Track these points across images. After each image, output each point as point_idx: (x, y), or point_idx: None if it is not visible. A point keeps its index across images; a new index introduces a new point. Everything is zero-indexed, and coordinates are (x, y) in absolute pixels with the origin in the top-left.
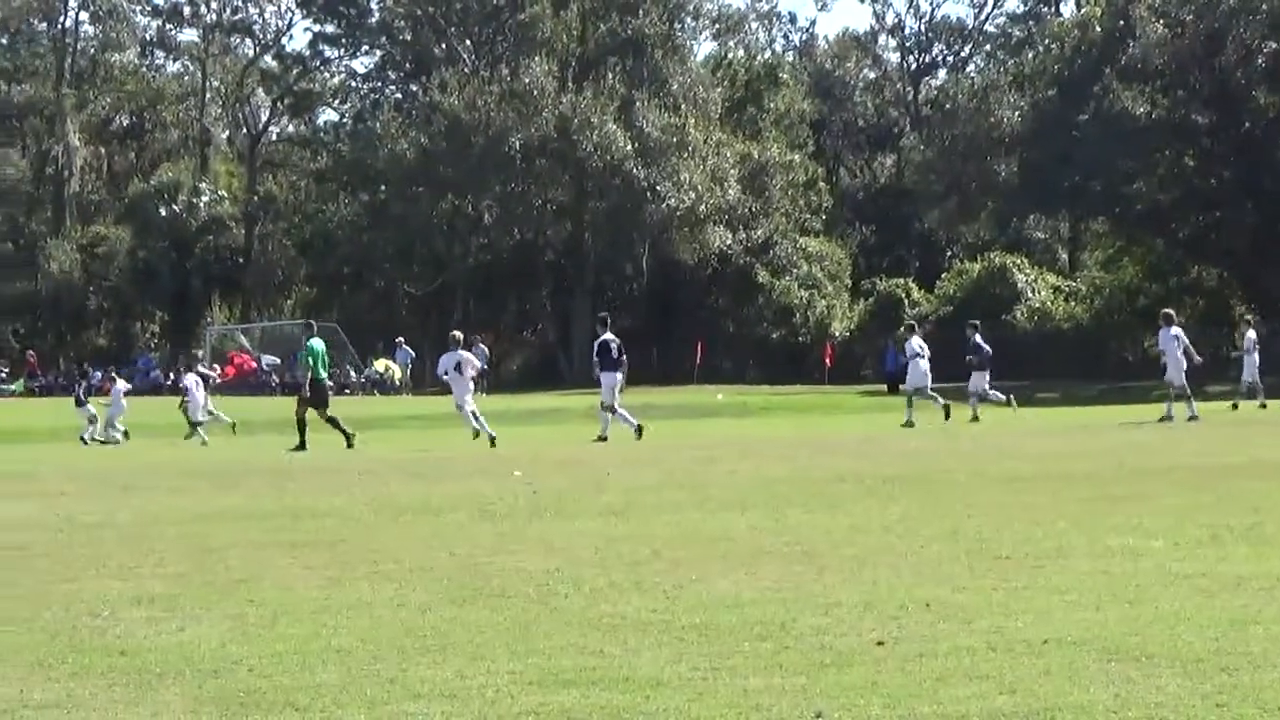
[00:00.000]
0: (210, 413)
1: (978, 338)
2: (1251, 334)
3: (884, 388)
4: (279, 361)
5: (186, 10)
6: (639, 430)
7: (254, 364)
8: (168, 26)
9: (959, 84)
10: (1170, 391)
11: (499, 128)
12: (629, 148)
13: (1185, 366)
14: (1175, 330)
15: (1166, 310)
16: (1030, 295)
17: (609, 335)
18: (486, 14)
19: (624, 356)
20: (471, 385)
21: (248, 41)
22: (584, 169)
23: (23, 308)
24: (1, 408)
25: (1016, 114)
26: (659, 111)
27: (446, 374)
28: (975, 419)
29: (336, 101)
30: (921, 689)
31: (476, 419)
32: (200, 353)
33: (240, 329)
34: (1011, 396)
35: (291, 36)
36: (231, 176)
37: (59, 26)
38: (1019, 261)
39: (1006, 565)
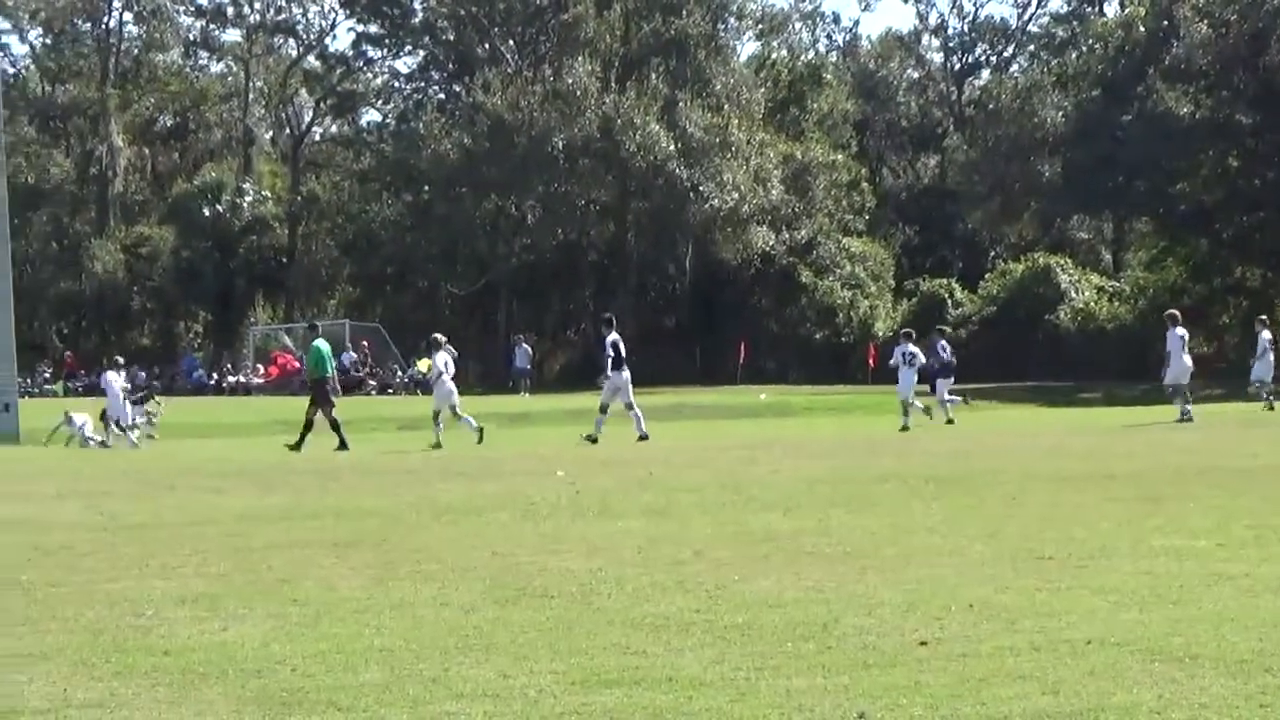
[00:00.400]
0: (136, 421)
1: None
2: (1266, 334)
3: (928, 388)
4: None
5: (230, 10)
6: (643, 436)
7: (297, 364)
8: (211, 27)
9: (1002, 84)
10: (1174, 390)
11: (542, 128)
12: (672, 148)
13: (1191, 368)
14: (1181, 330)
15: (1172, 311)
16: (1074, 295)
17: (615, 335)
18: (530, 14)
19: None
20: (454, 389)
21: (291, 42)
22: (627, 169)
23: (67, 308)
24: (46, 408)
25: (1060, 114)
26: (702, 112)
27: (440, 376)
28: (950, 421)
29: (380, 102)
30: (965, 689)
31: (441, 427)
32: (121, 359)
33: (284, 329)
34: (964, 397)
35: (335, 37)
36: (275, 177)
37: (103, 27)
38: (1062, 262)
39: (1050, 566)
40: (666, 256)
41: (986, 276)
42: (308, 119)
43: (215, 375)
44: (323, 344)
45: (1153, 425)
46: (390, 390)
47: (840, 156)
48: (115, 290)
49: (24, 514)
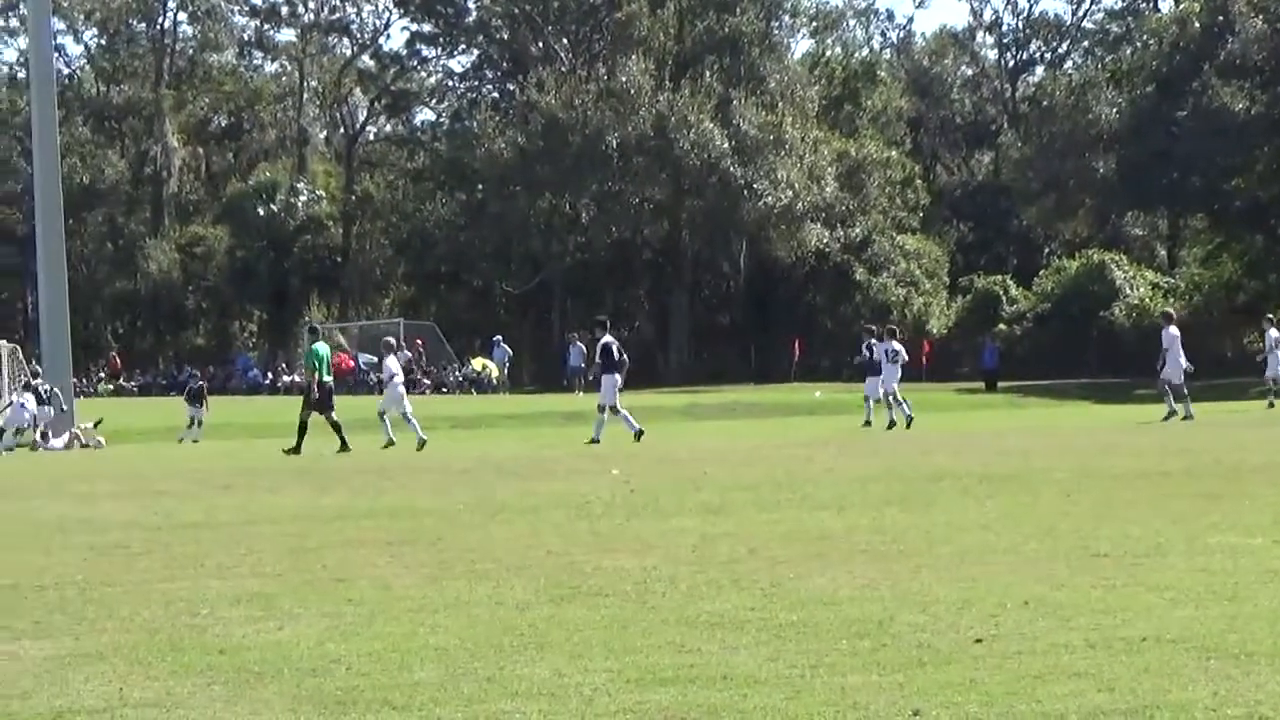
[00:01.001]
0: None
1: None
2: (1274, 332)
3: (982, 385)
4: (376, 360)
5: (284, 10)
6: (639, 434)
7: (352, 363)
8: (265, 27)
9: (1056, 81)
10: (1168, 389)
11: (596, 126)
12: (726, 146)
13: (1187, 366)
14: (1174, 330)
15: (1167, 310)
16: (1128, 292)
17: (609, 338)
18: (583, 12)
19: (624, 358)
20: (404, 394)
21: (345, 41)
22: (681, 167)
23: (122, 308)
24: (101, 408)
25: (1114, 110)
26: (756, 109)
27: (392, 379)
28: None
29: (434, 101)
30: (1020, 687)
31: (389, 426)
32: (39, 377)
33: (338, 328)
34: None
35: (389, 36)
36: (329, 176)
37: (158, 27)
38: (1117, 258)
39: (1105, 563)
40: (721, 254)
41: (1041, 273)
42: (362, 118)
43: (270, 374)
44: (321, 346)
45: (1206, 423)
46: (444, 389)
47: (894, 153)
48: (170, 290)
49: (79, 513)
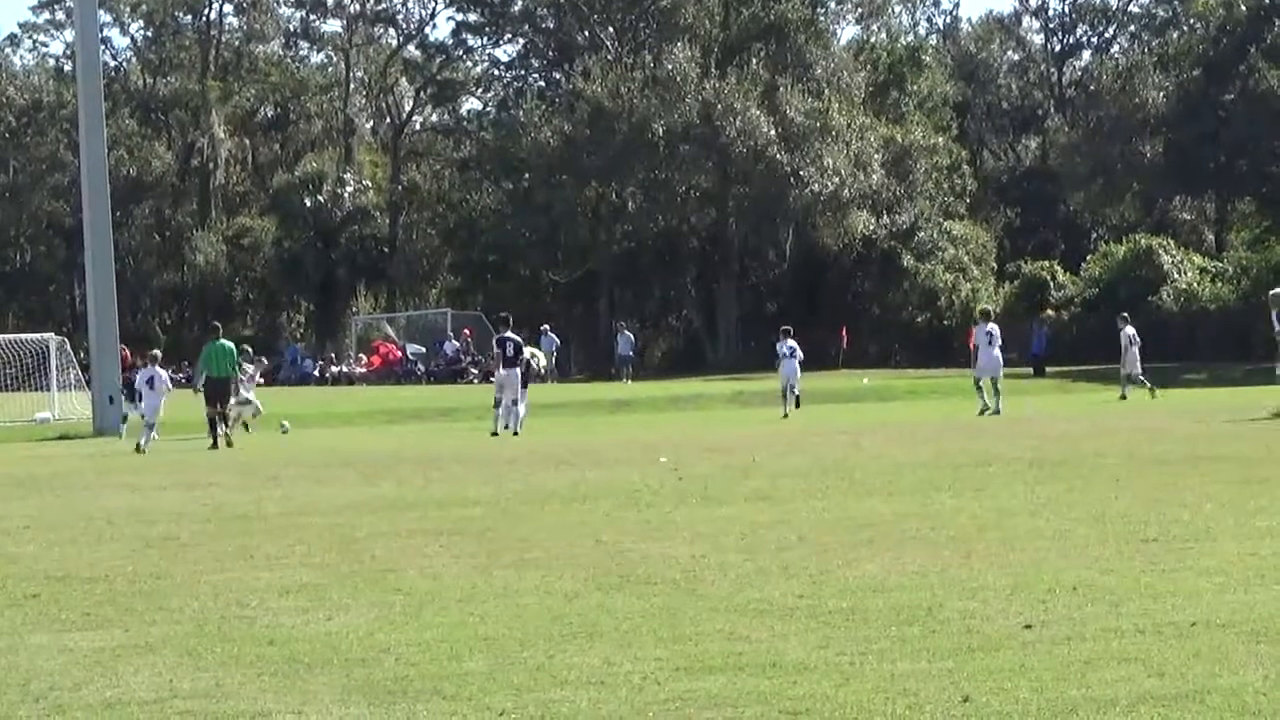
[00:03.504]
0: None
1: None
2: (1129, 330)
3: (1030, 370)
4: (424, 350)
5: (330, 1)
6: (498, 433)
7: (399, 353)
8: (311, 17)
9: (1103, 65)
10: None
11: (642, 114)
12: (772, 133)
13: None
14: (991, 326)
15: (984, 308)
16: (1176, 277)
17: (510, 334)
18: (629, 1)
19: (521, 355)
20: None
21: (391, 31)
22: (727, 155)
23: (170, 300)
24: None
25: (1161, 94)
26: (802, 96)
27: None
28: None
29: (479, 90)
30: (1069, 672)
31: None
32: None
33: (386, 318)
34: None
35: (434, 26)
36: (375, 166)
37: (203, 19)
38: (1165, 243)
39: (1154, 548)
40: (767, 242)
41: (1088, 258)
42: (408, 108)
43: (318, 365)
44: (217, 347)
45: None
46: (493, 379)
47: (941, 139)
48: (217, 281)
49: (130, 505)
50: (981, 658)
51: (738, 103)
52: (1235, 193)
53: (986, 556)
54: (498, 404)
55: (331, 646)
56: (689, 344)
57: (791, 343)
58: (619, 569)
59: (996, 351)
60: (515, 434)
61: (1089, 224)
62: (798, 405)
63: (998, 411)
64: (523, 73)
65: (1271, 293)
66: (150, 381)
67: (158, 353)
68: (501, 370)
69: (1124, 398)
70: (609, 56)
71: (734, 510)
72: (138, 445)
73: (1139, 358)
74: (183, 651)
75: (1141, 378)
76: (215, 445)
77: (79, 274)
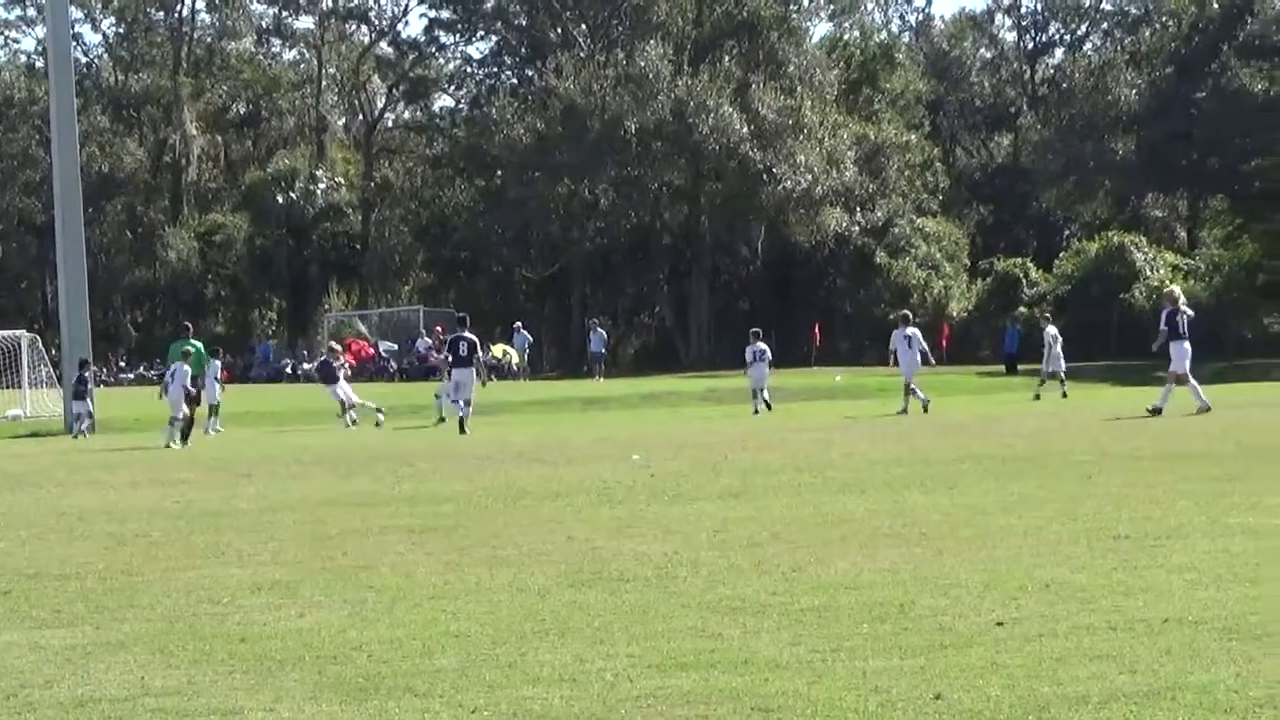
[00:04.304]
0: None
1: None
2: (1052, 329)
3: (1002, 368)
4: (396, 347)
5: None
6: (442, 421)
7: (371, 350)
8: (284, 14)
9: (1076, 63)
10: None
11: (615, 112)
12: (745, 130)
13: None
14: (911, 330)
15: (904, 312)
16: (1149, 274)
17: (466, 333)
18: None
19: (477, 354)
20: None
21: (363, 28)
22: (700, 152)
23: (141, 296)
24: (121, 397)
25: (1133, 92)
26: (775, 94)
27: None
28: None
29: (452, 87)
30: (1041, 669)
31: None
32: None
33: (358, 315)
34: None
35: (407, 23)
36: (348, 163)
37: (176, 16)
38: (1137, 240)
39: (1126, 545)
40: (740, 239)
41: (1061, 255)
42: (380, 105)
43: (290, 362)
44: (178, 346)
45: (1227, 405)
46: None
47: (913, 137)
48: (189, 278)
49: (101, 502)
50: (953, 655)
51: (710, 100)
52: (1207, 190)
53: (958, 554)
54: (456, 401)
55: (303, 643)
56: (661, 341)
57: (761, 345)
58: (591, 566)
59: (916, 355)
60: (465, 432)
61: (1061, 221)
62: (769, 408)
63: (904, 411)
64: (495, 70)
65: (1166, 290)
66: (173, 374)
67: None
68: (457, 370)
69: (1038, 397)
70: (581, 54)
71: (706, 507)
72: (167, 444)
73: (1062, 356)
74: (154, 649)
75: (1062, 375)
76: (184, 442)
77: (50, 271)
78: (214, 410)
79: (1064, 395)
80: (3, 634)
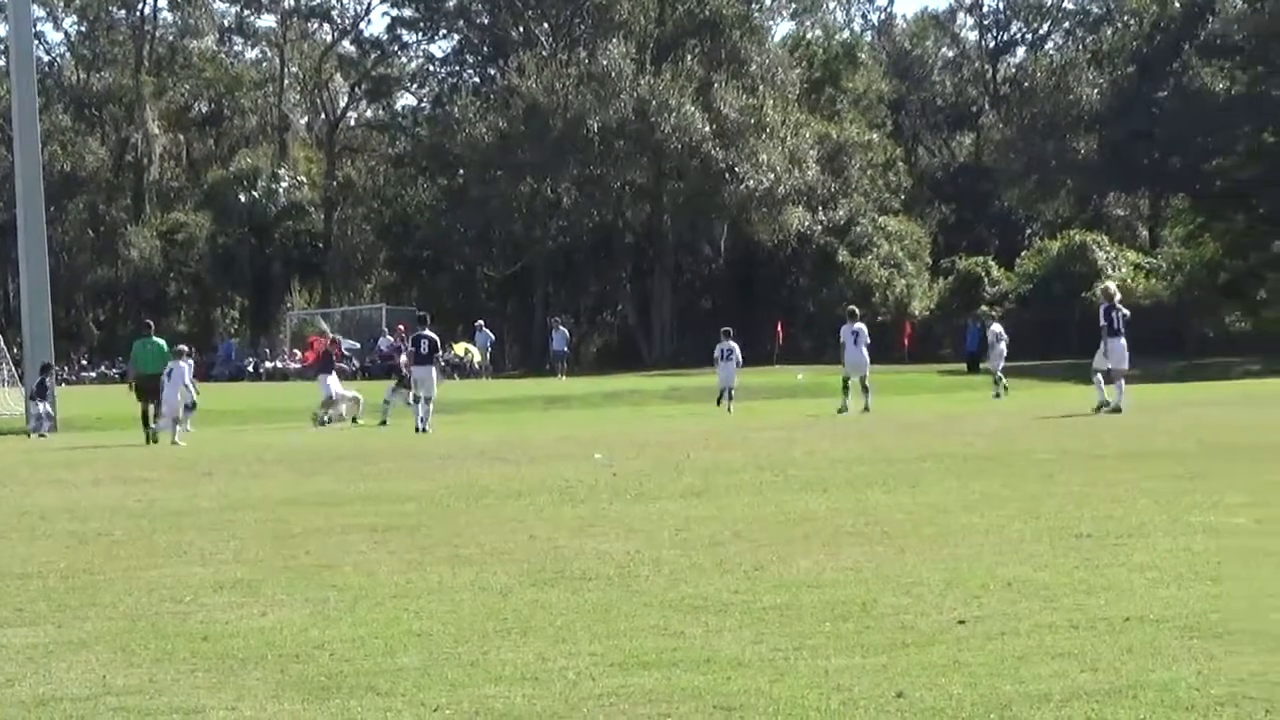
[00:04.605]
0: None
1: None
2: (996, 327)
3: (964, 366)
4: (359, 346)
5: None
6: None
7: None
8: (246, 13)
9: (1037, 62)
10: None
11: (577, 110)
12: (707, 129)
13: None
14: (858, 325)
15: (851, 308)
16: (1111, 272)
17: (426, 331)
18: None
19: (437, 353)
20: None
21: (325, 27)
22: (662, 151)
23: (103, 295)
24: (83, 396)
25: (1095, 91)
26: (737, 93)
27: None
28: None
29: (415, 86)
30: (1003, 667)
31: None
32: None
33: (320, 313)
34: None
35: (369, 21)
36: (310, 162)
37: (138, 14)
38: (1099, 239)
39: (1087, 543)
40: (702, 238)
41: (1023, 254)
42: (343, 104)
43: (253, 360)
44: (139, 345)
45: (1188, 403)
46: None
47: (876, 136)
48: (151, 277)
49: (63, 501)
50: (915, 653)
51: (672, 99)
52: (1169, 189)
53: (920, 552)
54: (416, 400)
55: (266, 642)
56: (624, 340)
57: (730, 344)
58: (553, 565)
59: (863, 351)
60: (424, 431)
61: (1023, 220)
62: (729, 410)
63: (867, 409)
64: (457, 68)
65: (1102, 286)
66: (169, 374)
67: (183, 348)
68: (415, 367)
69: (998, 396)
70: (544, 52)
71: (669, 506)
72: (172, 439)
73: (1004, 355)
74: (116, 647)
75: (997, 375)
76: (149, 441)
77: (12, 269)
78: (189, 409)
79: (996, 396)
80: None
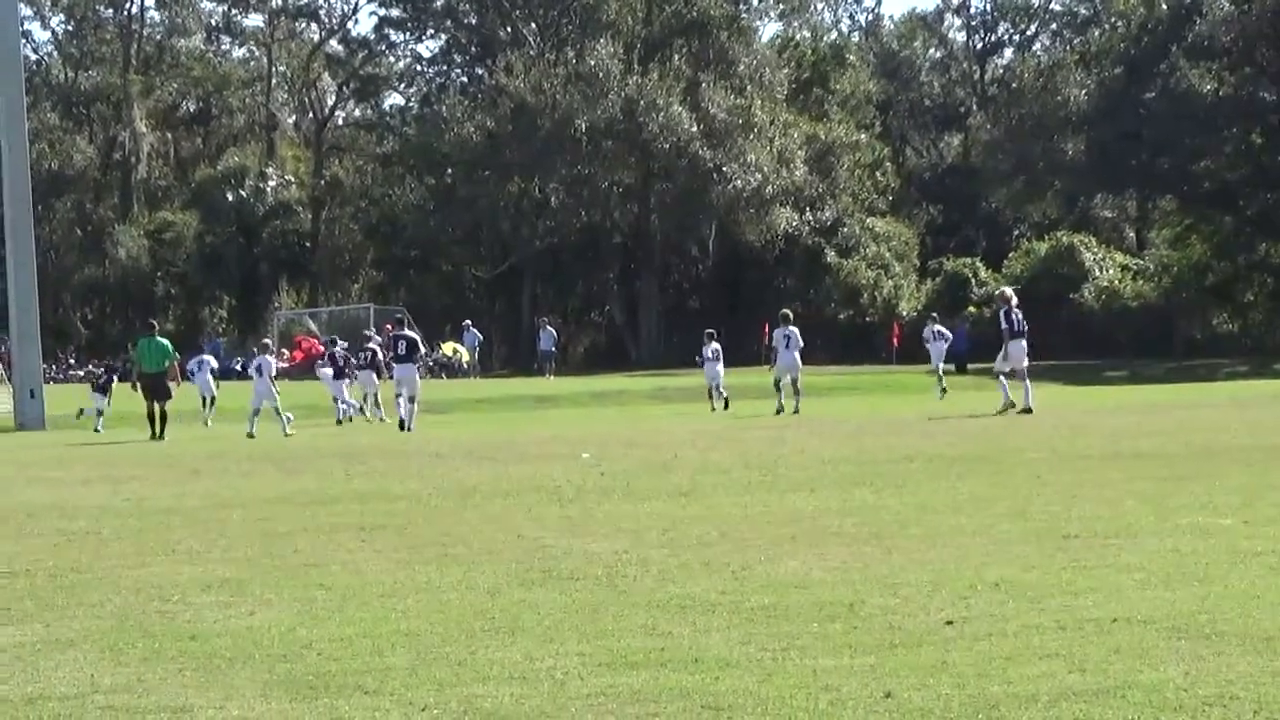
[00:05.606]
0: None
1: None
2: (936, 326)
3: (952, 367)
4: (347, 345)
5: None
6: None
7: (321, 348)
8: (233, 12)
9: (1025, 63)
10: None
11: (565, 110)
12: (695, 129)
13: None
14: (791, 329)
15: (784, 311)
16: (1098, 274)
17: (406, 331)
18: None
19: (417, 353)
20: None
21: (313, 26)
22: (650, 151)
23: (91, 294)
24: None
25: (1083, 92)
26: (725, 93)
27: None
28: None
29: (402, 85)
30: (991, 668)
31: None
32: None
33: (308, 313)
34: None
35: (357, 21)
36: (298, 161)
37: (125, 13)
38: (1086, 240)
39: (1075, 544)
40: (690, 238)
41: (1010, 255)
42: (330, 103)
43: (241, 360)
44: (144, 344)
45: (1175, 405)
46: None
47: (863, 137)
48: (139, 276)
49: (50, 499)
50: (903, 654)
51: (660, 99)
52: (1156, 191)
53: (908, 553)
54: (398, 398)
55: (253, 641)
56: (611, 340)
57: (715, 345)
58: (541, 564)
59: (795, 354)
60: (408, 429)
61: (1011, 221)
62: (726, 407)
63: (796, 411)
64: (445, 68)
65: (998, 291)
66: (259, 368)
67: (268, 341)
68: (399, 367)
69: (944, 391)
70: (532, 52)
71: (656, 506)
72: (249, 433)
73: (942, 354)
74: (103, 647)
75: (939, 374)
76: (154, 437)
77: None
78: (209, 404)
79: (939, 397)
80: None
